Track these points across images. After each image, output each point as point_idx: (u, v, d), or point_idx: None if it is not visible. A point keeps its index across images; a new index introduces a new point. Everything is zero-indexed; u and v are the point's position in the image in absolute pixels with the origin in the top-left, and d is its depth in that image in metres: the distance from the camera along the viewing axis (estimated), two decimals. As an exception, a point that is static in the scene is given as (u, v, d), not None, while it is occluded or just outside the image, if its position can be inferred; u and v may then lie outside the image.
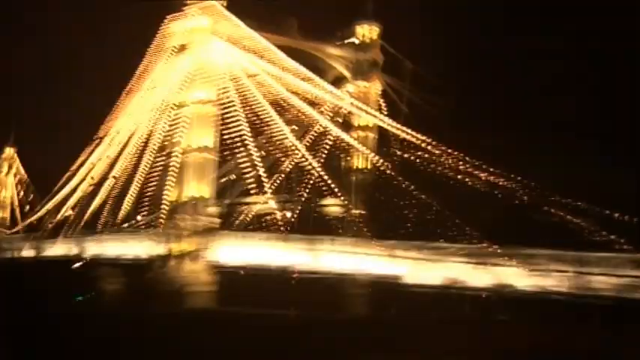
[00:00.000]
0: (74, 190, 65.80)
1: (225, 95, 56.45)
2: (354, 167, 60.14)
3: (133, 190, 59.05)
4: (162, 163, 58.32)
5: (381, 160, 54.62)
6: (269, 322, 37.62)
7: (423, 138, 52.07)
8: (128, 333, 33.77)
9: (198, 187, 56.94)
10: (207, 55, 57.98)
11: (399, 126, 54.59)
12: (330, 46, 58.68)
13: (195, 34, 58.74)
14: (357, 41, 59.99)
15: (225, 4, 58.06)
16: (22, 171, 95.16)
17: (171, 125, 58.43)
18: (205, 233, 55.57)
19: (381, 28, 60.49)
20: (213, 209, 56.72)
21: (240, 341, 32.16)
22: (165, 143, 59.20)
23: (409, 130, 53.48)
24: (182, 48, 59.36)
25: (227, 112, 56.37)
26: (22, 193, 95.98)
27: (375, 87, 59.24)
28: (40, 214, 73.15)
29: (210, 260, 53.92)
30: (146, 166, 59.11)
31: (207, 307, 49.17)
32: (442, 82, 52.85)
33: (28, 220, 75.68)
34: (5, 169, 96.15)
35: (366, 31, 60.17)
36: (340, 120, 58.09)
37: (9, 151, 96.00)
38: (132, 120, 62.63)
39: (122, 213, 59.37)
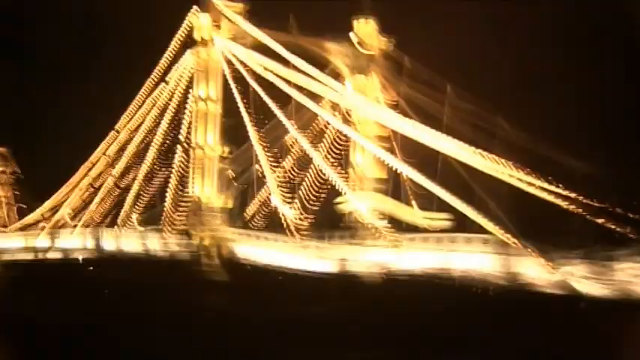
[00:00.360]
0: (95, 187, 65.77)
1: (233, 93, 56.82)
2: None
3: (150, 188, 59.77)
4: (171, 160, 58.94)
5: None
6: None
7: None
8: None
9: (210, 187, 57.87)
10: (213, 53, 57.96)
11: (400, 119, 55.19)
12: (328, 41, 59.15)
13: (200, 32, 58.29)
14: (354, 36, 60.32)
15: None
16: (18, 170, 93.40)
17: (182, 123, 58.94)
18: (220, 230, 56.95)
19: (378, 22, 60.87)
20: (225, 206, 57.74)
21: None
22: (170, 141, 59.77)
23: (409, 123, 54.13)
24: (188, 45, 58.96)
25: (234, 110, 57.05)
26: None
27: (373, 82, 59.34)
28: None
29: (231, 257, 55.62)
30: (156, 163, 59.69)
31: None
32: (439, 76, 53.24)
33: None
34: None
35: (364, 26, 60.48)
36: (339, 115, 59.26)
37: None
38: (143, 117, 62.62)
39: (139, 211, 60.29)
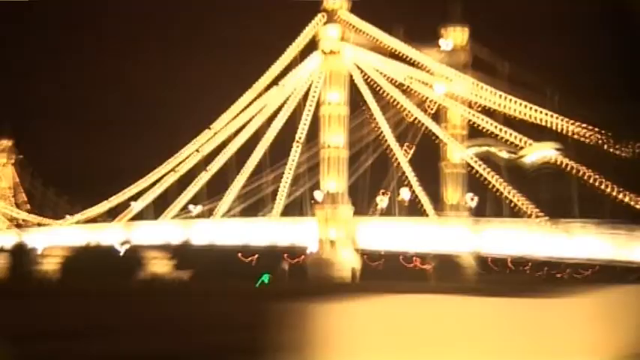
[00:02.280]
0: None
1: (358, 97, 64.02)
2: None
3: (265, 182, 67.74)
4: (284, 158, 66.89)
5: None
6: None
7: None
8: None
9: (335, 181, 64.92)
10: (340, 62, 64.70)
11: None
12: (423, 47, 66.47)
13: (329, 42, 64.65)
14: (446, 43, 68.06)
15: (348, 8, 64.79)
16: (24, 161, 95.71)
17: (300, 123, 66.00)
18: (345, 220, 64.50)
19: (469, 29, 68.68)
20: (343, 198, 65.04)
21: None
22: (298, 139, 66.25)
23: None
24: (312, 51, 65.77)
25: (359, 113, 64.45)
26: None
27: (464, 86, 65.75)
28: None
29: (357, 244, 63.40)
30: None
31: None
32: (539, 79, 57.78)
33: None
34: (4, 160, 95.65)
35: (456, 34, 68.31)
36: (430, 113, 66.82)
37: (6, 143, 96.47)
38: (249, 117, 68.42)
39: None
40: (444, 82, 64.49)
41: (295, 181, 67.90)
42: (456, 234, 60.03)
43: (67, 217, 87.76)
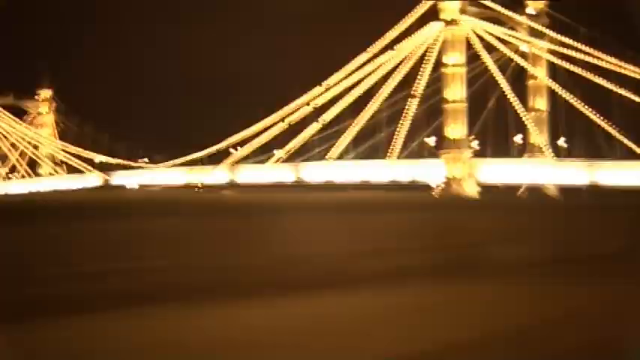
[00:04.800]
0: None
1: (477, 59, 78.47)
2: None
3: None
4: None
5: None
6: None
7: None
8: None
9: (457, 130, 79.62)
10: (459, 29, 78.60)
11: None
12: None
13: (447, 11, 78.44)
14: (531, 9, 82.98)
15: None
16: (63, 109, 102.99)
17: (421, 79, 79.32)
18: (466, 161, 79.73)
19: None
20: (466, 144, 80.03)
21: None
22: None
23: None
24: (433, 19, 78.95)
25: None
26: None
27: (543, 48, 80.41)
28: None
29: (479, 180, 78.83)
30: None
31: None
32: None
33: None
34: (46, 109, 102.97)
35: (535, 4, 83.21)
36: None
37: (46, 93, 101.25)
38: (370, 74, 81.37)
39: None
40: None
41: (411, 130, 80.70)
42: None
43: (144, 160, 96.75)
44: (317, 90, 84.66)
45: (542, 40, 79.90)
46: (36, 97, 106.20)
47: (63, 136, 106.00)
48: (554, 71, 79.63)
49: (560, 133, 79.65)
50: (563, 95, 76.77)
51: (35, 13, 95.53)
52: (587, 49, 75.76)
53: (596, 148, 75.16)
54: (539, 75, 79.49)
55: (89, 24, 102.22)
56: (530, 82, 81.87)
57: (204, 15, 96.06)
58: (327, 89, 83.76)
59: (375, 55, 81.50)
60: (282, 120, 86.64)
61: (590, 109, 74.73)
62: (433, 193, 77.44)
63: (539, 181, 76.80)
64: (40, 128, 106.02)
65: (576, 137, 77.34)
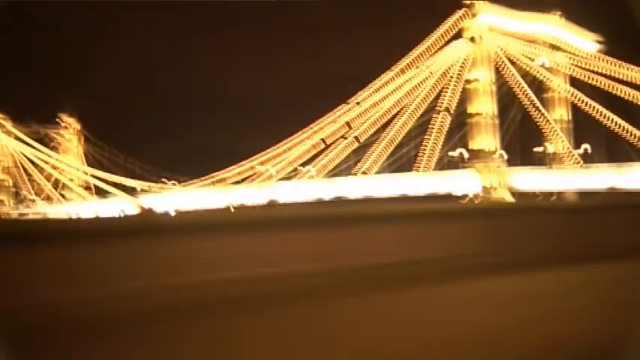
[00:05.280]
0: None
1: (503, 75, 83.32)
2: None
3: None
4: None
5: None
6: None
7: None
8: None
9: (489, 142, 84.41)
10: (485, 47, 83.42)
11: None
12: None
13: (472, 29, 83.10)
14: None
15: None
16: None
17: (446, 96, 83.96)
18: (497, 171, 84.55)
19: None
20: (497, 155, 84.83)
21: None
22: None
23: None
24: (460, 36, 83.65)
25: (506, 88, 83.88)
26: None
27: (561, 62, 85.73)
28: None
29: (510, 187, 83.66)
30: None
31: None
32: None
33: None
34: (69, 135, 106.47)
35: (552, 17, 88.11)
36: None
37: (69, 119, 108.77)
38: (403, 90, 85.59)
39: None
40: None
41: (441, 143, 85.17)
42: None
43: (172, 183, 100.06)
44: (345, 107, 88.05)
45: (560, 52, 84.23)
46: (59, 123, 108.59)
47: (87, 160, 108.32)
48: (572, 82, 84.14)
49: (580, 141, 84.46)
50: (583, 105, 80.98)
51: (51, 39, 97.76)
52: (602, 59, 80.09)
53: (617, 155, 79.71)
54: (559, 86, 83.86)
55: (111, 46, 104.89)
56: (549, 94, 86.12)
57: (231, 33, 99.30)
58: (354, 105, 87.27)
59: (401, 72, 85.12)
60: (311, 137, 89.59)
61: (609, 118, 78.96)
62: (473, 202, 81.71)
63: (570, 187, 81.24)
64: (65, 154, 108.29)
65: (597, 145, 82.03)
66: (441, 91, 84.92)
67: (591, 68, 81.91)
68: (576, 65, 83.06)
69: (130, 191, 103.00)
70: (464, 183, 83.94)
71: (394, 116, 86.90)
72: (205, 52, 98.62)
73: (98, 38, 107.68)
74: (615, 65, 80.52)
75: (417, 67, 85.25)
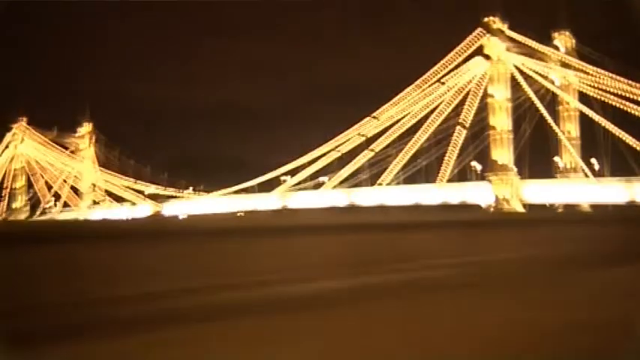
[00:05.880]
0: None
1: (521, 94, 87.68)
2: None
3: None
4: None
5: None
6: None
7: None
8: None
9: (503, 155, 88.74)
10: (502, 65, 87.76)
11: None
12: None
13: (491, 48, 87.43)
14: (559, 46, 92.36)
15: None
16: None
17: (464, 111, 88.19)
18: (512, 183, 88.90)
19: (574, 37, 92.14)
20: (511, 168, 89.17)
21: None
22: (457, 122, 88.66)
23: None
24: (476, 55, 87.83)
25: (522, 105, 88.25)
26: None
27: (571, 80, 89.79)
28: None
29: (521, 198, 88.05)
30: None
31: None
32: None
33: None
34: (85, 143, 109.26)
35: (565, 38, 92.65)
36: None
37: (87, 127, 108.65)
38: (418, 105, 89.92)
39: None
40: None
41: (458, 156, 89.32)
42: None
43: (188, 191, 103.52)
44: (367, 121, 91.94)
45: (571, 70, 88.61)
46: (77, 130, 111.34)
47: (104, 167, 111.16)
48: (583, 98, 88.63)
49: (590, 155, 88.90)
50: (594, 119, 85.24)
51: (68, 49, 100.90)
52: (612, 77, 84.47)
53: (625, 168, 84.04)
54: (571, 102, 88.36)
55: (129, 55, 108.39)
56: (561, 109, 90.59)
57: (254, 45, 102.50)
58: (374, 119, 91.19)
59: (422, 89, 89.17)
60: (334, 150, 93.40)
61: (618, 131, 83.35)
62: (487, 211, 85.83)
63: (580, 199, 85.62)
64: (82, 159, 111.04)
65: (606, 158, 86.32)
66: (457, 106, 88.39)
67: (599, 86, 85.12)
68: (585, 83, 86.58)
69: (146, 197, 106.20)
70: (479, 194, 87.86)
71: (410, 128, 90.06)
72: (233, 64, 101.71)
73: (123, 50, 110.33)
74: (624, 84, 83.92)
75: (437, 83, 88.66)
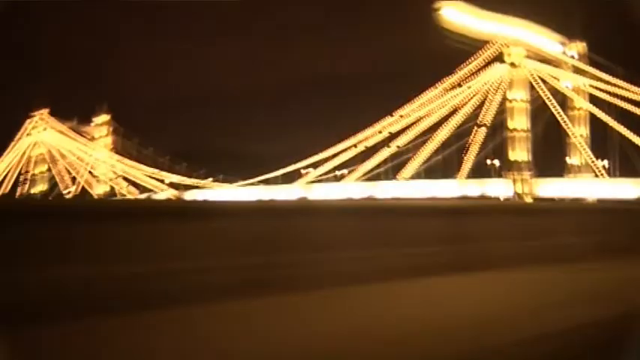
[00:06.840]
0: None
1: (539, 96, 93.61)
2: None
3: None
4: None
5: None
6: None
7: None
8: None
9: (521, 154, 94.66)
10: (522, 70, 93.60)
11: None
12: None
13: (511, 55, 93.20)
14: (572, 53, 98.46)
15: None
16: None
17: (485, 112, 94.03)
18: (528, 180, 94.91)
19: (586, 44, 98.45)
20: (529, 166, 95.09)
21: None
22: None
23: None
24: (497, 59, 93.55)
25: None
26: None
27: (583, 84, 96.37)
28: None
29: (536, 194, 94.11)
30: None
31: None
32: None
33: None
34: (104, 132, 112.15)
35: (577, 45, 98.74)
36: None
37: (105, 117, 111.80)
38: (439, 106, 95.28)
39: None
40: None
41: (478, 155, 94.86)
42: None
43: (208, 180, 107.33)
44: (389, 119, 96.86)
45: (584, 77, 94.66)
46: (94, 120, 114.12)
47: (123, 156, 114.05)
48: (592, 102, 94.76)
49: (599, 156, 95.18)
50: (605, 121, 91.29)
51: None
52: (622, 84, 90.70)
53: (634, 169, 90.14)
54: (583, 105, 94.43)
55: (149, 43, 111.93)
56: (571, 113, 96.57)
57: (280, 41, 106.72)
58: (397, 117, 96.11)
59: (444, 91, 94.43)
60: (355, 145, 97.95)
61: (627, 133, 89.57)
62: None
63: (592, 196, 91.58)
64: (100, 148, 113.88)
65: (615, 160, 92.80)
66: (478, 107, 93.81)
67: (610, 90, 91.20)
68: (596, 87, 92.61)
69: (166, 186, 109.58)
70: (499, 190, 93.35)
71: (432, 126, 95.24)
72: (257, 55, 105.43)
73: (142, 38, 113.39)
74: (632, 92, 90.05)
75: (460, 86, 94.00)
